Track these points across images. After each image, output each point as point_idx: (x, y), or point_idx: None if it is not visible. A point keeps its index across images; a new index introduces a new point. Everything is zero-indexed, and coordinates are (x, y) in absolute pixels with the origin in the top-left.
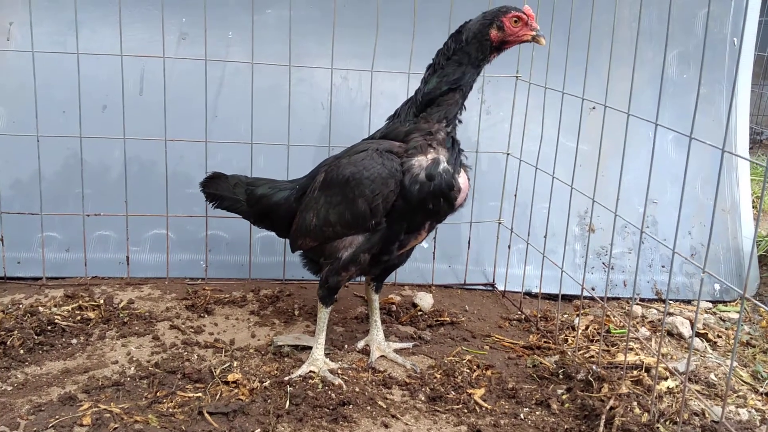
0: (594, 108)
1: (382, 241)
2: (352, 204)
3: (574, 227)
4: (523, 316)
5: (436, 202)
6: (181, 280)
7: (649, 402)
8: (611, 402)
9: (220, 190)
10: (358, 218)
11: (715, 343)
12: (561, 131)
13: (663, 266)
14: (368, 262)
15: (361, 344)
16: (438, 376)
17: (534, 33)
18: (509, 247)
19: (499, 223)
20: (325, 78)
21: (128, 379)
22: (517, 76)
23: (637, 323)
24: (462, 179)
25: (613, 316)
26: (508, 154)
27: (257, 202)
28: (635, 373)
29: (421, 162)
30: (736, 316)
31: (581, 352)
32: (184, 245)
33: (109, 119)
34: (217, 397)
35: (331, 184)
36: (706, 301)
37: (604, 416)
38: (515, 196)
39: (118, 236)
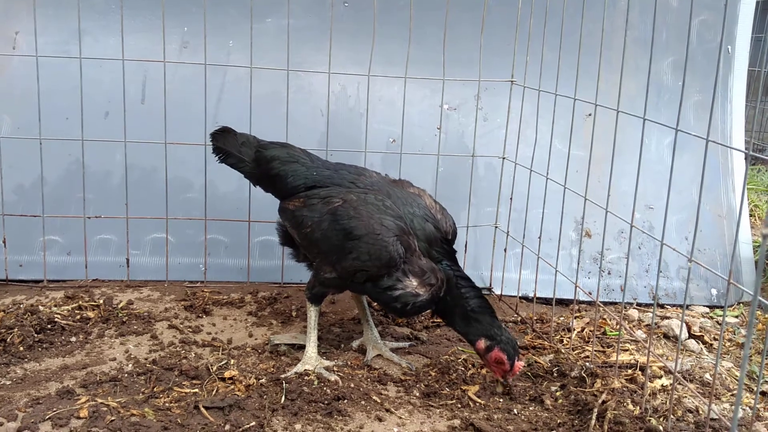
0: (590, 115)
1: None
2: (343, 252)
3: (571, 232)
4: (519, 319)
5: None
6: (180, 283)
7: (642, 399)
8: (603, 396)
9: (227, 145)
10: (343, 268)
11: (711, 345)
12: (558, 136)
13: (660, 271)
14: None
15: (356, 343)
16: (433, 373)
17: (500, 379)
18: (505, 250)
19: (496, 227)
20: (323, 85)
21: (126, 375)
22: (512, 81)
23: (633, 326)
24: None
25: (609, 320)
26: (504, 158)
27: (268, 162)
28: (629, 371)
29: (412, 285)
30: (733, 320)
31: (576, 351)
32: (184, 249)
33: (111, 126)
34: (214, 393)
35: (338, 220)
36: (703, 305)
37: (596, 410)
38: (511, 199)
39: (119, 240)
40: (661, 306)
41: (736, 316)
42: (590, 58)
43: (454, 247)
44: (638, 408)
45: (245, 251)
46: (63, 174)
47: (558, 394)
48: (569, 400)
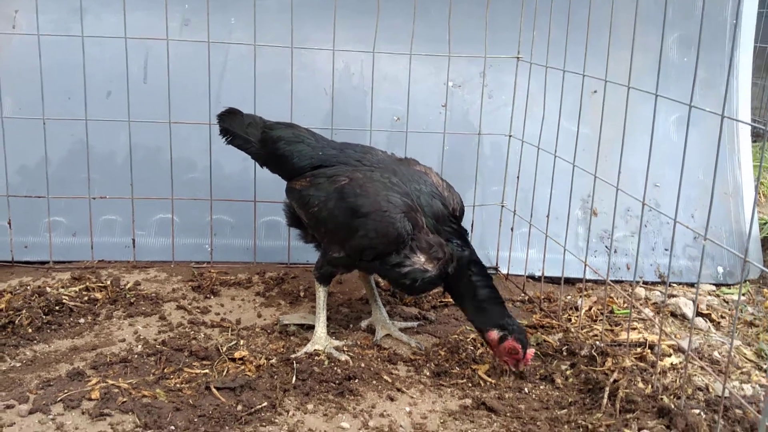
0: (596, 91)
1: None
2: (350, 230)
3: (577, 211)
4: (526, 298)
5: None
6: (187, 264)
7: (653, 377)
8: (615, 375)
9: (234, 126)
10: (351, 246)
11: (719, 323)
12: (564, 114)
13: (666, 249)
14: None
15: (365, 323)
16: (442, 353)
17: (511, 368)
18: (512, 230)
19: (502, 206)
20: (326, 63)
21: (135, 356)
22: (518, 57)
23: (641, 305)
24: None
25: (617, 298)
26: (510, 136)
27: (274, 142)
28: (639, 350)
29: (420, 261)
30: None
31: (584, 330)
32: (189, 229)
33: (114, 105)
34: (224, 374)
35: (345, 198)
36: (710, 284)
37: (608, 389)
38: (518, 178)
39: (124, 220)
40: (668, 284)
41: (743, 294)
42: (596, 34)
43: (463, 226)
44: (649, 386)
45: (251, 231)
46: (66, 154)
47: (568, 372)
48: (580, 379)
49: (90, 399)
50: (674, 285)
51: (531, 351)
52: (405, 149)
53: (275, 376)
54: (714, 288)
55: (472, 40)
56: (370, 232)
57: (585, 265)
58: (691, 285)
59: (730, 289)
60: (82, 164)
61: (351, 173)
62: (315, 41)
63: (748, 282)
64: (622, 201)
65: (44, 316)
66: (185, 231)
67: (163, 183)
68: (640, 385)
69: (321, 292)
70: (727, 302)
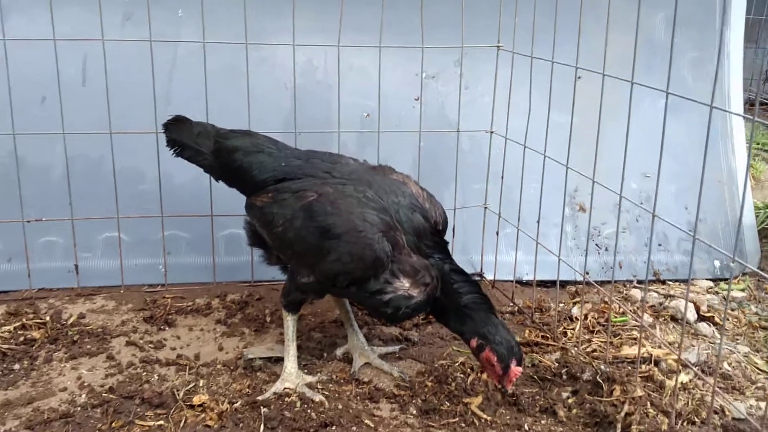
0: (580, 78)
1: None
2: (321, 253)
3: (564, 208)
4: (516, 308)
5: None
6: (139, 288)
7: (664, 402)
8: (626, 407)
9: (182, 137)
10: (322, 271)
11: (722, 326)
12: (546, 105)
13: (660, 245)
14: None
15: (341, 351)
16: (429, 384)
17: (497, 384)
18: (497, 233)
19: (485, 207)
20: (287, 56)
21: (78, 408)
22: (498, 46)
23: (638, 308)
24: None
25: (612, 302)
26: (492, 132)
27: (230, 153)
28: (644, 367)
29: (404, 286)
30: (739, 294)
31: (583, 347)
32: (140, 248)
33: (50, 112)
34: (182, 425)
35: (314, 216)
36: (707, 279)
37: (619, 424)
38: (502, 177)
39: (66, 242)
40: (662, 282)
41: (742, 290)
42: (575, 18)
43: (444, 238)
44: (663, 416)
45: (209, 247)
46: None
47: (570, 401)
48: (584, 409)
49: None
50: (669, 283)
51: (516, 369)
52: (378, 149)
53: (240, 425)
54: (712, 284)
55: (446, 27)
56: (344, 256)
57: (585, 275)
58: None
59: (728, 284)
60: (15, 181)
61: (320, 187)
62: (273, 33)
63: (747, 276)
64: (611, 195)
65: None
66: (135, 250)
67: (108, 197)
68: (653, 414)
69: (289, 321)
70: (727, 300)
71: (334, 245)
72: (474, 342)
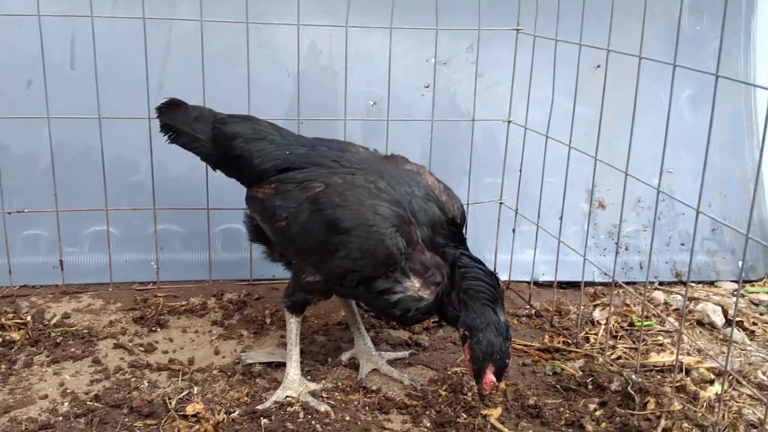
0: (599, 66)
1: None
2: (328, 250)
3: (583, 204)
4: (533, 311)
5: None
6: (128, 286)
7: (699, 415)
8: (662, 422)
9: (177, 122)
10: (329, 269)
11: (753, 332)
12: (563, 94)
13: (683, 244)
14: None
15: (346, 356)
16: (443, 393)
17: (477, 386)
18: (514, 231)
19: (501, 203)
20: (289, 39)
21: (60, 418)
22: (518, 29)
23: (661, 311)
24: None
25: (633, 305)
26: (509, 121)
27: (229, 140)
28: (675, 377)
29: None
30: (766, 297)
31: (608, 353)
32: (131, 243)
33: (36, 97)
34: None
35: (321, 209)
36: (731, 281)
37: None
38: (520, 170)
39: (51, 235)
40: (684, 284)
41: None
42: (602, 3)
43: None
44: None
45: (205, 243)
46: None
47: (598, 414)
48: (615, 423)
49: None
50: (693, 285)
51: (489, 378)
52: (387, 139)
53: None
54: (736, 285)
55: (459, 10)
56: (354, 252)
57: (613, 280)
58: (711, 284)
59: (754, 286)
60: None
61: (327, 178)
62: (275, 14)
63: None
64: (632, 192)
65: None
66: (126, 245)
67: (97, 188)
68: (687, 428)
69: (293, 324)
70: (755, 304)
71: (343, 241)
72: (460, 331)
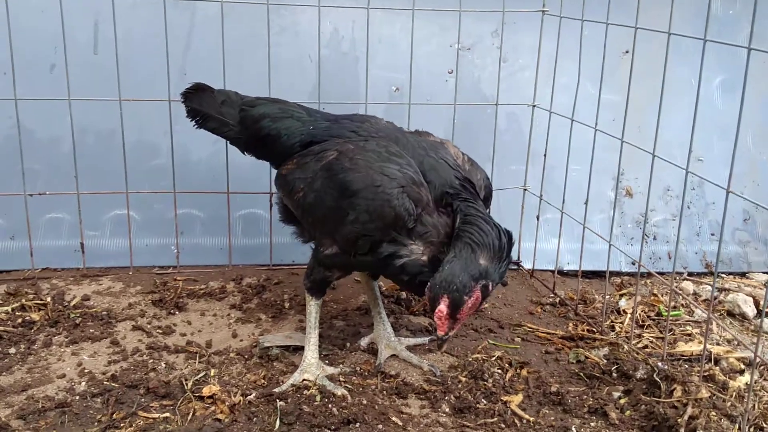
0: (627, 52)
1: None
2: (339, 215)
3: (609, 192)
4: (557, 300)
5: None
6: (149, 270)
7: (728, 405)
8: (689, 410)
9: (204, 106)
10: (343, 236)
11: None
12: (589, 80)
13: (713, 234)
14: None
15: (365, 341)
16: (463, 379)
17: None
18: (538, 218)
19: (525, 189)
20: (311, 24)
21: (77, 397)
22: (543, 11)
23: (690, 302)
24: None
25: (661, 294)
26: (534, 106)
27: (256, 121)
28: (705, 366)
29: (418, 250)
30: None
31: (634, 342)
32: (152, 227)
33: (59, 81)
34: (189, 418)
35: (332, 175)
36: (763, 272)
37: (682, 429)
38: (545, 156)
39: (72, 219)
40: (712, 273)
41: None
42: None
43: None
44: (732, 427)
45: (225, 228)
46: (1, 141)
47: (623, 402)
48: (640, 411)
49: None
50: (723, 276)
51: (439, 308)
52: (408, 125)
53: (254, 419)
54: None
55: None
56: (362, 215)
57: (639, 266)
58: (743, 275)
59: None
60: (19, 153)
61: (341, 146)
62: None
63: None
64: (661, 179)
65: None
66: (147, 229)
67: (119, 173)
68: (715, 417)
69: (312, 306)
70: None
71: (352, 204)
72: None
